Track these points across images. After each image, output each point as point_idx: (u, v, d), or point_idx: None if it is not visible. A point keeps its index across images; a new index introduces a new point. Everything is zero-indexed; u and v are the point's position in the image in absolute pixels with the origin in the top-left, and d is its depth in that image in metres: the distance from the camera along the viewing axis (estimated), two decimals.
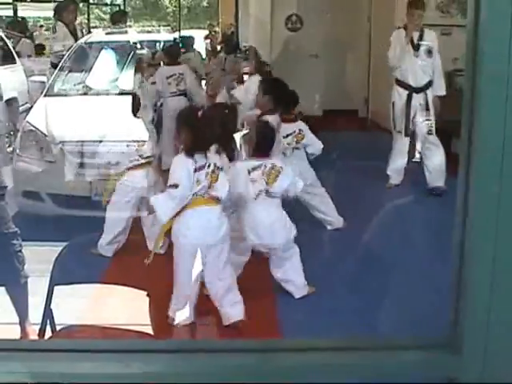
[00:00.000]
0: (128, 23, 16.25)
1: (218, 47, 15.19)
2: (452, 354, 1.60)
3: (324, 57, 12.45)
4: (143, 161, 5.87)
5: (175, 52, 8.93)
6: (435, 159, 7.37)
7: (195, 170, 4.33)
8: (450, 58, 9.93)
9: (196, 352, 1.64)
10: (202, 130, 4.44)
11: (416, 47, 7.42)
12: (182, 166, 4.35)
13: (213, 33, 20.10)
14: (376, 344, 1.73)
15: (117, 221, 5.75)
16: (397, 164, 7.67)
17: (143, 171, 5.82)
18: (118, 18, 11.72)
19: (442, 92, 7.46)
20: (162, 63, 9.22)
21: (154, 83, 8.32)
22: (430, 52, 7.40)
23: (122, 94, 7.37)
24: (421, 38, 7.44)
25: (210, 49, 16.32)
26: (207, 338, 4.40)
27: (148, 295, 3.98)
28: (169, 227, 4.39)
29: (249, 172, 4.74)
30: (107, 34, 10.25)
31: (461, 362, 1.59)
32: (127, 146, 6.27)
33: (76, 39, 9.47)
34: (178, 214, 4.33)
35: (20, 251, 4.23)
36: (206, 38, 18.42)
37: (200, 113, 4.59)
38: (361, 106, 12.71)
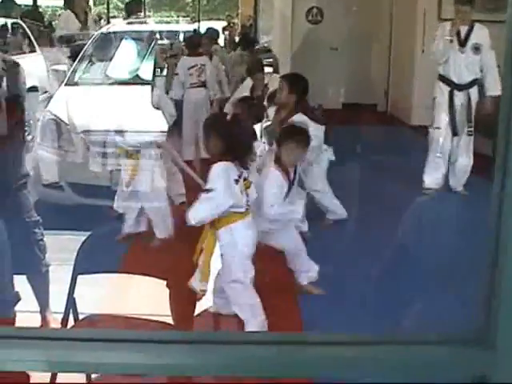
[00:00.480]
0: (147, 13, 16.28)
1: (237, 39, 15.17)
2: (483, 349, 1.57)
3: (344, 50, 12.42)
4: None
5: (197, 43, 8.91)
6: (464, 161, 7.26)
7: (237, 181, 4.22)
8: None
9: (218, 344, 1.63)
10: (235, 135, 4.34)
11: (463, 43, 7.12)
12: (221, 175, 4.18)
13: (231, 24, 20.06)
14: (403, 338, 1.72)
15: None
16: (437, 164, 7.34)
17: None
18: (134, 8, 11.71)
19: (497, 91, 6.88)
20: (181, 54, 9.22)
21: (176, 74, 8.33)
22: (477, 49, 7.08)
23: (142, 83, 7.38)
24: (469, 33, 7.13)
25: (228, 40, 16.29)
26: (229, 330, 4.41)
27: (168, 285, 3.96)
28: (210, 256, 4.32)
29: None
30: (128, 23, 10.28)
31: (492, 359, 1.56)
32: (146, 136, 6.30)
33: (86, 28, 9.50)
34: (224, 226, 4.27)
35: (41, 240, 4.26)
36: (225, 29, 18.39)
37: (228, 117, 4.51)
38: (380, 100, 12.66)
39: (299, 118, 5.78)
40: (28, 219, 4.16)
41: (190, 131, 7.94)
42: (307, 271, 4.94)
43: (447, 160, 7.29)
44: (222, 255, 4.34)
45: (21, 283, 4.19)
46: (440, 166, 7.29)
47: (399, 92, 11.98)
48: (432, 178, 7.30)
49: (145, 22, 11.05)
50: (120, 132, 6.24)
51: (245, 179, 4.28)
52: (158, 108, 6.60)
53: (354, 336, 1.69)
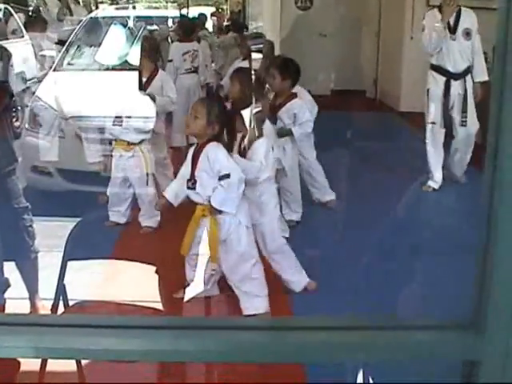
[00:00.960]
0: None
1: (225, 25, 15.14)
2: (475, 334, 1.58)
3: (333, 36, 12.40)
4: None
5: (190, 28, 8.87)
6: (461, 153, 7.01)
7: None
8: None
9: (209, 329, 1.63)
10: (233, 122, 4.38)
11: (453, 29, 6.82)
12: (225, 154, 4.25)
13: (220, 10, 20.00)
14: (395, 323, 1.72)
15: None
16: (436, 163, 7.01)
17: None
18: None
19: (485, 77, 6.78)
20: (170, 40, 9.18)
21: (170, 61, 8.31)
22: (468, 34, 6.77)
23: (131, 69, 7.33)
24: (458, 18, 6.82)
25: (216, 26, 16.24)
26: (220, 315, 4.42)
27: (157, 272, 3.97)
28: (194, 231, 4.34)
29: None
30: (116, 9, 10.23)
31: (484, 343, 1.57)
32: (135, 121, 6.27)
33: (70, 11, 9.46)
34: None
35: (30, 226, 4.24)
36: (213, 15, 18.32)
37: (228, 104, 4.48)
38: (369, 87, 12.65)
39: (297, 102, 5.89)
40: (17, 205, 4.15)
41: (180, 118, 7.90)
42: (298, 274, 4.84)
43: (442, 156, 7.01)
44: (225, 240, 4.31)
45: (10, 270, 4.19)
46: (439, 166, 7.03)
47: (388, 78, 11.99)
48: (433, 180, 7.04)
49: (134, 8, 11.00)
50: (109, 118, 6.20)
51: None
52: (146, 94, 6.55)
53: (346, 321, 1.70)
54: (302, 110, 5.84)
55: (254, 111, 5.14)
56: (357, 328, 1.65)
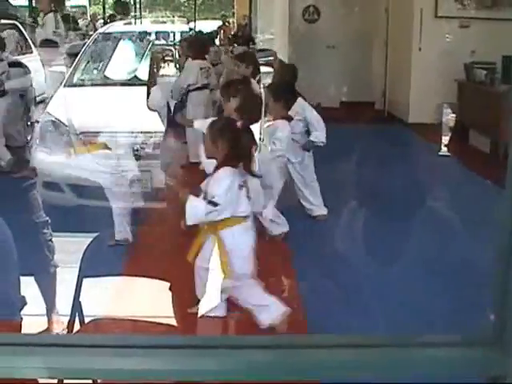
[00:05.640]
0: (142, 13, 16.32)
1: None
2: (498, 349, 1.57)
3: (341, 48, 12.43)
4: None
5: (206, 45, 8.93)
6: None
7: (240, 187, 4.17)
8: (468, 51, 9.93)
9: (225, 348, 1.62)
10: (244, 140, 4.23)
11: None
12: (228, 181, 4.11)
13: (226, 24, 20.11)
14: (419, 341, 1.71)
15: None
16: None
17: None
18: (120, 10, 11.85)
19: None
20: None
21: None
22: None
23: (140, 84, 7.34)
24: None
25: (223, 40, 16.32)
26: (235, 334, 4.39)
27: (171, 288, 3.96)
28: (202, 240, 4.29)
29: None
30: (125, 24, 10.28)
31: (507, 360, 1.56)
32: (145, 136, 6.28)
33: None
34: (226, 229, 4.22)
35: (50, 240, 4.28)
36: (220, 28, 18.42)
37: (239, 123, 4.37)
38: (378, 98, 12.63)
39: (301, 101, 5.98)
40: (37, 219, 4.17)
41: (194, 133, 7.90)
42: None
43: None
44: None
45: (26, 285, 4.18)
46: None
47: (397, 90, 11.97)
48: None
49: (163, 22, 11.16)
50: (120, 133, 6.22)
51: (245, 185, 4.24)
52: (153, 110, 6.55)
53: (365, 339, 1.69)
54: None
55: (266, 124, 5.14)
56: (376, 346, 1.64)
